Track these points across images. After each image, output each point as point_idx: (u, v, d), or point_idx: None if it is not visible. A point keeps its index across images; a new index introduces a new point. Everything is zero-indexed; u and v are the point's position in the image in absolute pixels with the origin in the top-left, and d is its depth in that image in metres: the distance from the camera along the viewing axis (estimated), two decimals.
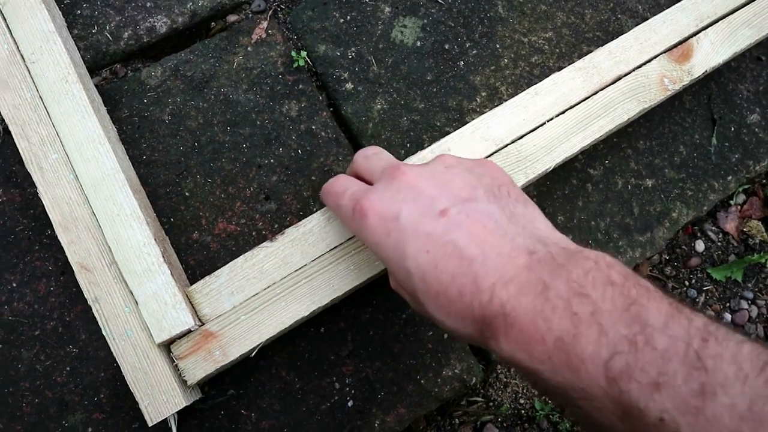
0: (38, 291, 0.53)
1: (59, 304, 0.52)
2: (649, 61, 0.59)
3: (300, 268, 0.49)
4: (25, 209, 0.54)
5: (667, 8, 0.61)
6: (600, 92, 0.57)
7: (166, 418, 0.47)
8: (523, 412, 0.60)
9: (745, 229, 0.67)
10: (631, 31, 0.59)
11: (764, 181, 0.68)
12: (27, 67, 0.52)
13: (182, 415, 0.51)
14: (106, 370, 0.51)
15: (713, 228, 0.67)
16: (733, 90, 0.66)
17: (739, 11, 0.61)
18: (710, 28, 0.60)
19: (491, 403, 0.59)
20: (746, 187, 0.67)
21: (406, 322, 0.54)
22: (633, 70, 0.58)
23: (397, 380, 0.53)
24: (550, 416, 0.59)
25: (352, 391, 0.53)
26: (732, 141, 0.65)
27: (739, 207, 0.67)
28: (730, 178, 0.64)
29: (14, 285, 0.52)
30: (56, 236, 0.49)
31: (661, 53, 0.59)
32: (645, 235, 0.60)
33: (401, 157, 0.54)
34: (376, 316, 0.54)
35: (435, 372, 0.54)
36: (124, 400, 0.51)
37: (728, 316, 0.65)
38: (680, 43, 0.60)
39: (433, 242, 0.34)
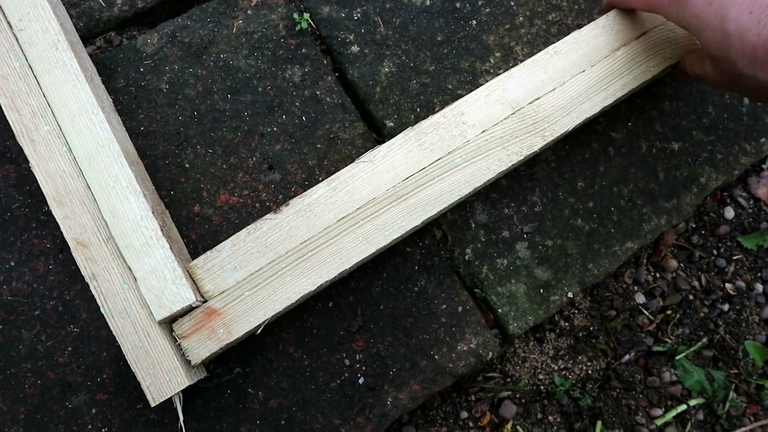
0: (37, 270, 0.51)
1: (59, 283, 0.51)
2: None
3: (306, 241, 0.46)
4: (21, 185, 0.52)
5: None
6: (622, 48, 0.53)
7: (171, 398, 0.45)
8: (542, 387, 0.57)
9: None
10: None
11: None
12: (14, 35, 0.49)
13: (187, 394, 0.49)
14: (109, 350, 0.50)
15: (744, 194, 0.63)
16: None
17: None
18: None
19: (509, 379, 0.57)
20: None
21: (419, 295, 0.52)
22: (659, 25, 0.54)
23: (410, 356, 0.51)
24: (571, 392, 0.57)
25: (363, 368, 0.50)
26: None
27: None
28: (763, 140, 0.60)
29: (12, 264, 0.51)
30: (52, 213, 0.47)
31: None
32: (671, 201, 0.57)
33: (411, 124, 0.51)
34: (387, 289, 0.52)
35: (449, 347, 0.51)
36: (128, 380, 0.49)
37: (759, 287, 0.62)
38: None
39: (756, 3, 0.40)
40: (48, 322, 0.50)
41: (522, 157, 0.49)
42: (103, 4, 0.56)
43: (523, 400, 0.57)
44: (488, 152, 0.48)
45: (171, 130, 0.54)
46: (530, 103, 0.50)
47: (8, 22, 0.49)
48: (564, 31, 0.59)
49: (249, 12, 0.57)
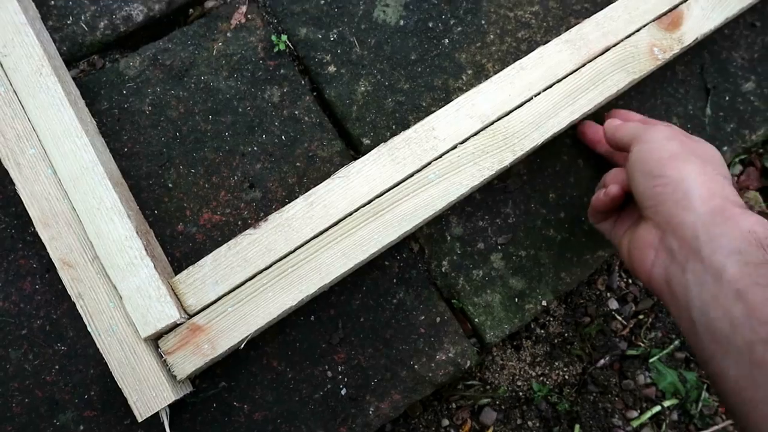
0: (24, 289, 0.52)
1: (45, 302, 0.52)
2: (638, 30, 0.57)
3: (286, 256, 0.48)
4: (6, 207, 0.53)
5: None
6: (588, 64, 0.55)
7: (158, 413, 0.46)
8: (521, 393, 0.59)
9: (743, 200, 0.66)
10: (620, 0, 0.58)
11: (761, 150, 0.67)
12: None
13: (174, 409, 0.50)
14: (96, 367, 0.51)
15: None
16: (727, 58, 0.64)
17: None
18: None
19: (488, 386, 0.58)
20: (743, 157, 0.66)
21: (397, 308, 0.54)
22: (622, 40, 0.57)
23: (391, 366, 0.53)
24: (549, 397, 0.59)
25: (345, 379, 0.52)
26: (727, 110, 0.63)
27: (736, 177, 0.66)
28: (725, 148, 0.62)
29: None
30: (38, 233, 0.48)
31: (651, 22, 0.57)
32: None
33: (386, 139, 0.53)
34: (367, 302, 0.53)
35: (428, 357, 0.53)
36: (115, 396, 0.50)
37: None
38: (670, 10, 0.58)
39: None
40: (35, 341, 0.51)
41: (493, 172, 0.51)
42: (86, 28, 0.58)
43: (502, 407, 0.59)
44: (460, 168, 0.50)
45: (154, 151, 0.55)
46: (499, 118, 0.52)
47: None
48: (533, 48, 0.61)
49: (228, 35, 0.59)
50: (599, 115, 0.60)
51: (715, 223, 0.38)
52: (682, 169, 0.41)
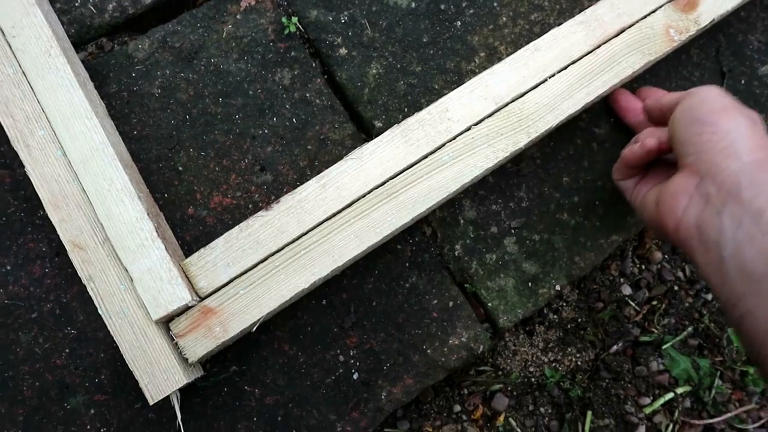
0: (33, 273, 0.51)
1: (55, 286, 0.51)
2: (653, 11, 0.56)
3: (298, 238, 0.47)
4: (16, 190, 0.53)
5: None
6: (603, 46, 0.54)
7: (168, 397, 0.46)
8: (533, 380, 0.58)
9: None
10: None
11: None
12: (8, 42, 0.50)
13: (185, 393, 0.50)
14: (106, 351, 0.50)
15: None
16: (743, 41, 0.64)
17: None
18: None
19: (500, 372, 0.58)
20: None
21: (410, 291, 0.53)
22: (637, 21, 0.56)
23: (403, 351, 0.52)
24: (561, 383, 0.58)
25: (357, 363, 0.51)
26: (743, 94, 0.62)
27: None
28: None
29: (8, 268, 0.51)
30: (49, 216, 0.48)
31: (667, 3, 0.57)
32: None
33: (398, 122, 0.52)
34: (379, 285, 0.53)
35: (441, 341, 0.52)
36: (126, 380, 0.50)
37: None
38: None
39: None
40: (45, 324, 0.51)
41: (508, 154, 0.50)
42: (94, 10, 0.57)
43: (514, 393, 0.58)
44: (475, 150, 0.50)
45: (164, 134, 0.54)
46: (513, 100, 0.52)
47: (1, 30, 0.50)
48: (547, 31, 0.60)
49: (238, 17, 0.58)
50: (596, 105, 0.59)
51: (759, 171, 0.39)
52: (732, 120, 0.41)
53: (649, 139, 0.47)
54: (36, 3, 0.50)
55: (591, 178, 0.58)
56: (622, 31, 0.55)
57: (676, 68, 0.62)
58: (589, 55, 0.54)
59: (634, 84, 0.60)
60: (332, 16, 0.59)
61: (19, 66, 0.49)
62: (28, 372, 0.50)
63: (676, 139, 0.44)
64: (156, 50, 0.57)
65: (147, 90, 0.55)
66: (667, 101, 0.48)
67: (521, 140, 0.51)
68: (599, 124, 0.59)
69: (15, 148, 0.48)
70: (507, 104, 0.51)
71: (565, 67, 0.53)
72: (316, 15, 0.59)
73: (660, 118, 0.50)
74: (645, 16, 0.56)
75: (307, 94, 0.56)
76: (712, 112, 0.42)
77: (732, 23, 0.63)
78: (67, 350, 0.50)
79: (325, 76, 0.58)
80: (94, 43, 0.58)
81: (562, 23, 0.57)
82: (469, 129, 0.50)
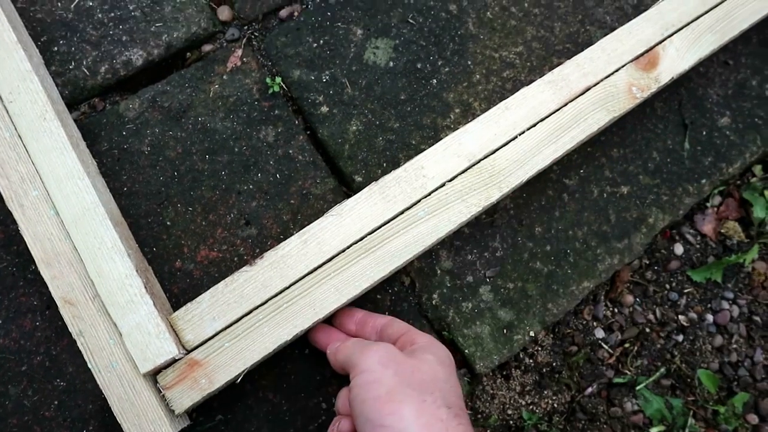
0: (24, 326, 0.53)
1: (45, 339, 0.53)
2: (617, 70, 0.60)
3: (281, 292, 0.50)
4: (8, 246, 0.55)
5: (633, 18, 0.62)
6: (570, 104, 0.58)
7: None
8: (511, 422, 0.60)
9: (722, 230, 0.68)
10: (598, 42, 0.61)
11: (738, 182, 0.69)
12: (5, 107, 0.52)
13: None
14: (94, 402, 0.52)
15: (691, 231, 0.68)
16: (703, 94, 0.68)
17: (702, 18, 0.62)
18: (675, 35, 0.62)
19: (479, 415, 0.60)
20: (721, 189, 0.68)
21: None
22: (601, 80, 0.59)
23: None
24: (539, 425, 0.60)
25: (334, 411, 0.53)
26: (704, 145, 0.66)
27: (715, 209, 0.68)
28: (704, 181, 0.65)
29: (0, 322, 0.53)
30: (39, 272, 0.49)
31: (629, 62, 0.60)
32: (623, 241, 0.61)
33: (377, 176, 0.55)
34: None
35: None
36: (113, 431, 0.51)
37: (710, 318, 0.66)
38: (647, 51, 0.61)
39: None
40: (35, 377, 0.52)
41: (480, 208, 0.53)
42: (88, 72, 0.60)
43: None
44: (449, 205, 0.52)
45: (153, 190, 0.57)
46: (485, 156, 0.55)
47: None
48: (518, 87, 0.64)
49: (224, 77, 0.61)
50: (582, 150, 0.63)
51: None
52: (400, 413, 0.39)
53: (343, 422, 0.45)
54: (33, 69, 0.53)
55: (562, 227, 0.60)
56: (587, 90, 0.59)
57: (641, 121, 0.65)
58: (557, 112, 0.58)
59: (602, 137, 0.63)
60: (314, 76, 0.62)
61: (15, 129, 0.52)
62: (16, 425, 0.51)
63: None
64: (146, 109, 0.59)
65: (137, 148, 0.58)
66: (341, 362, 0.47)
67: (493, 195, 0.53)
68: (569, 175, 0.62)
69: (9, 208, 0.50)
70: (479, 161, 0.54)
71: (535, 125, 0.57)
72: (299, 75, 0.62)
73: (345, 374, 0.47)
74: (609, 75, 0.60)
75: (290, 151, 0.59)
76: (378, 404, 0.40)
77: (692, 78, 0.68)
78: (56, 402, 0.52)
79: (308, 133, 0.61)
80: (87, 103, 0.60)
81: (532, 79, 0.61)
82: (443, 185, 0.53)
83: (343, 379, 0.53)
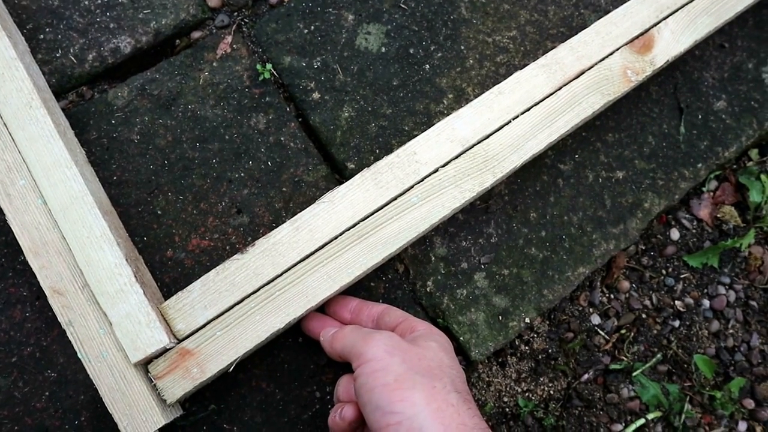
0: (14, 317, 0.52)
1: (36, 330, 0.52)
2: (611, 54, 0.59)
3: (273, 280, 0.49)
4: None
5: (627, 1, 0.62)
6: (564, 87, 0.57)
7: None
8: (507, 410, 0.60)
9: (718, 215, 0.68)
10: (593, 25, 0.60)
11: (734, 166, 0.69)
12: None
13: None
14: (86, 393, 0.51)
15: (687, 216, 0.67)
16: (699, 78, 0.67)
17: (696, 0, 0.62)
18: (670, 17, 0.61)
19: (476, 403, 0.59)
20: (717, 173, 0.68)
21: None
22: (596, 63, 0.59)
23: None
24: (534, 413, 0.60)
25: (333, 399, 0.53)
26: (700, 128, 0.65)
27: (711, 193, 0.68)
28: (700, 165, 0.64)
29: None
30: (28, 262, 0.49)
31: (623, 45, 0.60)
32: (618, 227, 0.61)
33: (370, 163, 0.54)
34: None
35: None
36: (105, 421, 0.50)
37: (706, 303, 0.66)
38: (641, 34, 0.61)
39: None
40: (25, 368, 0.52)
41: (474, 194, 0.52)
42: (75, 60, 0.59)
43: (490, 423, 0.60)
44: (442, 190, 0.52)
45: (143, 179, 0.56)
46: (479, 141, 0.54)
47: None
48: (512, 72, 0.63)
49: (214, 64, 0.60)
50: (577, 135, 0.62)
51: None
52: (411, 399, 0.39)
53: (346, 409, 0.44)
54: (18, 57, 0.52)
55: (557, 213, 0.60)
56: (581, 73, 0.58)
57: (636, 105, 0.65)
58: (551, 96, 0.57)
59: (597, 121, 0.63)
60: (305, 62, 0.61)
61: (1, 118, 0.51)
62: (7, 416, 0.50)
63: (367, 420, 0.41)
64: (135, 98, 0.59)
65: (126, 136, 0.57)
66: (339, 350, 0.46)
67: (487, 180, 0.53)
68: (564, 160, 0.61)
69: None
70: (473, 146, 0.54)
71: (528, 109, 0.56)
72: (290, 61, 0.61)
73: (344, 361, 0.46)
74: (603, 59, 0.59)
75: (282, 138, 0.58)
76: (387, 391, 0.39)
77: (687, 61, 0.67)
78: (47, 393, 0.51)
79: (299, 120, 0.60)
80: (75, 91, 0.59)
81: (526, 64, 0.60)
82: (436, 171, 0.53)
83: (339, 366, 0.53)
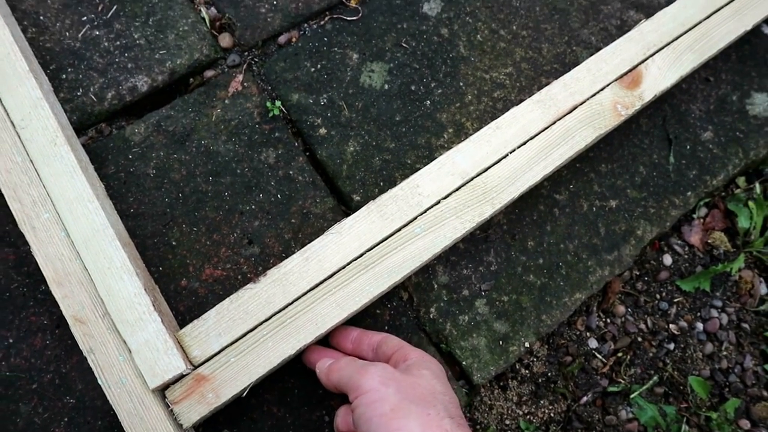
0: (34, 345, 0.55)
1: (55, 357, 0.54)
2: (602, 89, 0.63)
3: (284, 308, 0.51)
4: (19, 267, 0.56)
5: (617, 39, 0.65)
6: (558, 122, 0.60)
7: None
8: None
9: (709, 241, 0.70)
10: (584, 62, 0.64)
11: (723, 193, 0.72)
12: (17, 133, 0.55)
13: None
14: (103, 419, 0.53)
15: (679, 242, 0.70)
16: (686, 110, 0.70)
17: (681, 38, 0.65)
18: (657, 54, 0.65)
19: (478, 426, 0.61)
20: (707, 200, 0.70)
21: None
22: (587, 99, 0.62)
23: None
24: None
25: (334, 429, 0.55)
26: (689, 158, 0.68)
27: (701, 220, 0.71)
28: (689, 193, 0.67)
29: (11, 341, 0.55)
30: (50, 291, 0.51)
31: (613, 81, 0.63)
32: (612, 253, 0.64)
33: (376, 197, 0.57)
34: None
35: None
36: None
37: (700, 326, 0.68)
38: (630, 71, 0.64)
39: None
40: (45, 394, 0.54)
41: (474, 224, 0.55)
42: (95, 99, 0.62)
43: None
44: (444, 221, 0.55)
45: (158, 211, 0.59)
46: (478, 174, 0.57)
47: (11, 121, 0.55)
48: (509, 107, 0.66)
49: (226, 101, 0.64)
50: (571, 166, 0.65)
51: None
52: (407, 427, 0.41)
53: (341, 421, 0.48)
54: (43, 96, 0.56)
55: (554, 241, 0.63)
56: (574, 108, 0.61)
57: (627, 137, 0.68)
58: (546, 130, 0.60)
59: (590, 153, 0.66)
60: (312, 99, 0.64)
61: (27, 154, 0.54)
62: None
63: None
64: (151, 134, 0.62)
65: (143, 171, 0.60)
66: (335, 382, 0.48)
67: (486, 211, 0.56)
68: (559, 190, 0.64)
69: (22, 230, 0.52)
70: (472, 179, 0.57)
71: (525, 143, 0.59)
72: (298, 98, 0.64)
73: (340, 393, 0.49)
74: (594, 94, 0.62)
75: (291, 172, 0.61)
76: (384, 420, 0.41)
77: (675, 95, 0.70)
78: (66, 419, 0.53)
79: (307, 154, 0.63)
80: (94, 128, 0.63)
81: (522, 99, 0.63)
82: (438, 203, 0.55)
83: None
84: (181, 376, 0.49)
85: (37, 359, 0.54)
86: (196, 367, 0.50)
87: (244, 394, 0.51)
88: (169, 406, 0.49)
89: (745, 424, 0.65)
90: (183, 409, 0.49)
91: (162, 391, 0.50)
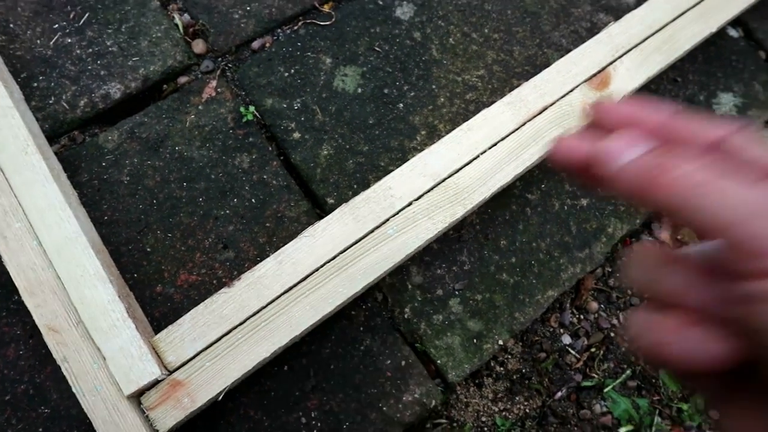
0: (7, 356, 0.54)
1: (29, 367, 0.54)
2: (571, 90, 0.64)
3: (258, 312, 0.52)
4: None
5: (587, 41, 0.67)
6: (528, 123, 0.61)
7: None
8: (485, 429, 0.63)
9: (678, 236, 0.72)
10: (554, 64, 0.65)
11: None
12: None
13: None
14: (79, 428, 0.53)
15: (649, 238, 0.72)
16: None
17: (648, 40, 0.67)
18: (625, 56, 0.66)
19: (455, 424, 0.62)
20: None
21: (365, 354, 0.57)
22: (557, 100, 0.63)
23: (361, 409, 0.56)
24: (512, 430, 0.62)
25: (318, 424, 0.55)
26: None
27: None
28: None
29: None
30: (23, 301, 0.51)
31: (582, 83, 0.64)
32: (584, 251, 0.65)
33: (348, 198, 0.57)
34: (336, 350, 0.57)
35: (396, 398, 0.57)
36: None
37: None
38: (599, 72, 0.65)
39: None
40: (19, 405, 0.53)
41: (446, 225, 0.56)
42: (67, 106, 0.62)
43: None
44: (416, 222, 0.55)
45: (132, 218, 0.59)
46: (450, 175, 0.58)
47: None
48: (481, 108, 0.67)
49: (200, 107, 0.64)
50: (543, 166, 0.66)
51: None
52: None
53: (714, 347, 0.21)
54: (14, 105, 0.55)
55: (526, 239, 0.64)
56: (544, 110, 0.62)
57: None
58: (516, 132, 0.61)
59: None
60: (286, 104, 0.65)
61: None
62: None
63: None
64: (124, 141, 0.62)
65: (116, 178, 0.60)
66: (679, 205, 0.20)
67: (458, 212, 0.57)
68: (531, 190, 0.65)
69: None
70: (444, 180, 0.58)
71: (496, 144, 0.60)
72: (272, 103, 0.65)
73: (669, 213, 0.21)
74: (564, 95, 0.64)
75: (265, 176, 0.62)
76: None
77: (644, 95, 0.72)
78: (41, 429, 0.53)
79: (281, 159, 0.64)
80: (67, 135, 0.62)
81: (494, 101, 0.64)
82: (410, 204, 0.56)
83: (324, 392, 0.56)
84: (156, 382, 0.50)
85: (10, 370, 0.54)
86: (171, 373, 0.50)
87: (220, 398, 0.51)
88: (144, 412, 0.49)
89: (716, 414, 0.67)
90: (159, 414, 0.49)
91: (137, 397, 0.50)
